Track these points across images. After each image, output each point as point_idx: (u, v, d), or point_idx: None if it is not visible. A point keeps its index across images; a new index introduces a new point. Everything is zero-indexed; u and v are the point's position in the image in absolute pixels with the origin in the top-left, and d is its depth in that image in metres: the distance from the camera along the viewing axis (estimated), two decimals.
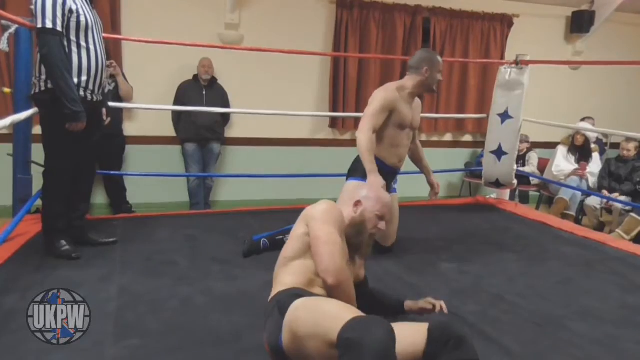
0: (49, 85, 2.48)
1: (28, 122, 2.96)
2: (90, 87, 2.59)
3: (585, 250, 3.18)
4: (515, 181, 4.20)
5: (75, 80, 2.50)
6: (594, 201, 4.79)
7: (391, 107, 2.70)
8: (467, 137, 6.03)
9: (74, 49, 2.49)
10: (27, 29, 2.83)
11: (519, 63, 3.91)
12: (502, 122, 4.00)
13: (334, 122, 5.37)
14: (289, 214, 3.63)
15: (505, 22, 5.71)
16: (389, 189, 2.88)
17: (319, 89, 5.33)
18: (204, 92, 4.61)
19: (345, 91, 5.26)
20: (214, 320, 2.03)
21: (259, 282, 2.33)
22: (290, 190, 5.01)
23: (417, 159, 3.11)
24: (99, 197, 4.60)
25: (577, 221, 4.77)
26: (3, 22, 2.63)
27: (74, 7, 2.43)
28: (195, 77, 4.67)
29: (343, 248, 1.70)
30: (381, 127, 2.70)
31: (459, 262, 2.84)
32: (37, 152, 3.08)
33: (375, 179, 2.50)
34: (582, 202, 4.87)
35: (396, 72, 5.42)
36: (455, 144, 6.00)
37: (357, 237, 1.81)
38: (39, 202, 3.04)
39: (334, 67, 5.25)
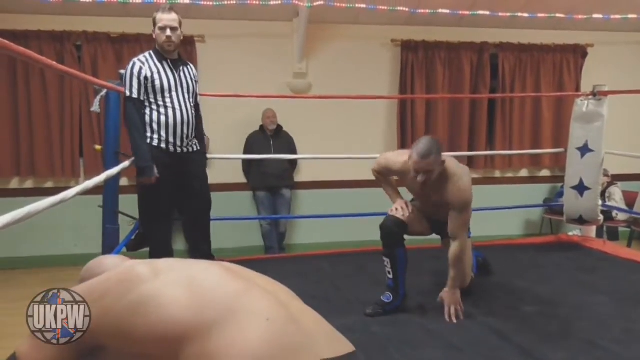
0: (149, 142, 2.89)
1: (116, 175, 3.18)
2: (171, 140, 2.90)
3: None
4: (601, 217, 3.95)
5: (156, 135, 2.88)
6: None
7: (386, 171, 2.80)
8: (545, 172, 5.78)
9: (154, 107, 2.88)
10: (115, 92, 3.10)
11: (596, 94, 3.74)
12: (582, 155, 3.81)
13: None
14: (360, 255, 3.64)
15: (578, 52, 5.53)
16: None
17: (387, 130, 5.36)
18: (272, 142, 4.78)
19: (413, 132, 5.24)
20: None
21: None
22: (362, 231, 5.00)
23: None
24: (178, 244, 4.81)
25: None
26: (95, 87, 2.90)
27: (148, 74, 2.83)
28: (262, 127, 4.86)
29: None
30: None
31: (543, 305, 2.67)
32: (124, 203, 3.29)
33: None
34: None
35: (464, 111, 5.36)
36: (531, 180, 5.76)
37: None
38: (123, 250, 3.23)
39: (401, 108, 5.27)
